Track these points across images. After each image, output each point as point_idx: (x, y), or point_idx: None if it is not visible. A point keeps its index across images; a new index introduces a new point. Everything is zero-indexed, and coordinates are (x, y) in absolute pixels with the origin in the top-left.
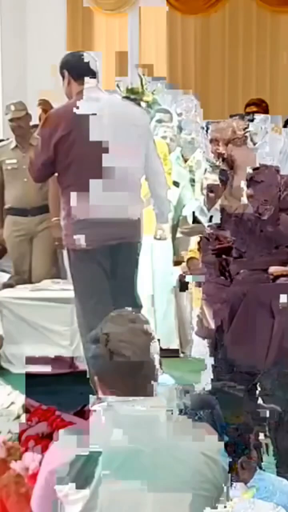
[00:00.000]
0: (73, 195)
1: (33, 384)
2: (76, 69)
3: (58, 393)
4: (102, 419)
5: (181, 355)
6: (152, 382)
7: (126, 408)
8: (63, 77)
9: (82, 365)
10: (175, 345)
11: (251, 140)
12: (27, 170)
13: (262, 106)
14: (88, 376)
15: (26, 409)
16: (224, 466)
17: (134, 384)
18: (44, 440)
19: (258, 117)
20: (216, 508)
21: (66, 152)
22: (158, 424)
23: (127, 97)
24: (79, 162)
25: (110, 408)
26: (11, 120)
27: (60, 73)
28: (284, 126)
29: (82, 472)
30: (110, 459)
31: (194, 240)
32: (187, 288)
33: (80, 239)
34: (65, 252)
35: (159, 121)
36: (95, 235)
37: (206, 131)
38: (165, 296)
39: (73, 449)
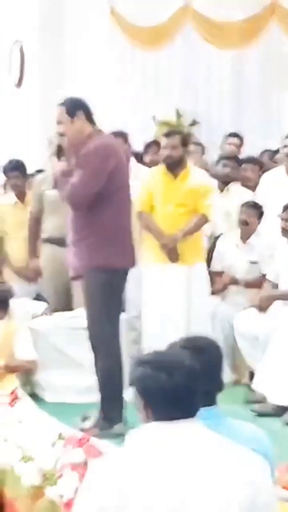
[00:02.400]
0: (112, 216)
1: (67, 411)
2: (89, 112)
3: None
4: (143, 442)
5: None
6: (196, 406)
7: (168, 430)
8: (75, 116)
9: None
10: None
11: None
12: None
13: None
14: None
15: (61, 436)
16: (267, 488)
17: (178, 407)
18: (79, 467)
19: None
20: None
21: (112, 181)
22: (200, 447)
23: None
24: (122, 188)
25: (153, 430)
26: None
27: (72, 115)
28: None
29: (121, 490)
30: (151, 481)
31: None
32: None
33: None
34: None
35: (191, 152)
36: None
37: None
38: (202, 327)
39: (113, 472)
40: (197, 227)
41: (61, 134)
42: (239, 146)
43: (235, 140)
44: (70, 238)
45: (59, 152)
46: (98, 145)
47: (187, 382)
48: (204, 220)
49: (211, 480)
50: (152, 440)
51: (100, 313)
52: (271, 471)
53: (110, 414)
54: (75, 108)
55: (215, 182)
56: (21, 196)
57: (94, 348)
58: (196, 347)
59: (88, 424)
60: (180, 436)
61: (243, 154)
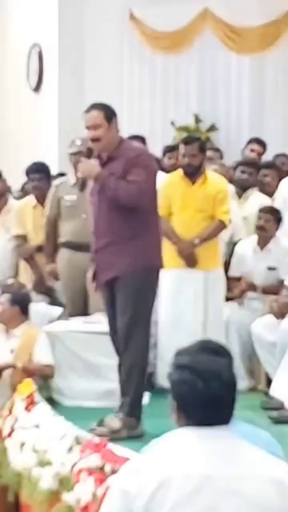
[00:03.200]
0: (156, 218)
1: (85, 416)
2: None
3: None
4: (176, 444)
5: None
6: (230, 414)
7: (200, 434)
8: (112, 122)
9: None
10: None
11: None
12: (85, 206)
13: None
14: None
15: (79, 441)
16: None
17: (212, 413)
18: (96, 472)
19: None
20: None
21: (155, 182)
22: (231, 451)
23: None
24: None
25: (186, 433)
26: (75, 154)
27: (109, 120)
28: None
29: (155, 494)
30: (183, 484)
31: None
32: None
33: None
34: None
35: (209, 158)
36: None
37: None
38: (217, 333)
39: (148, 472)
40: (215, 233)
41: (97, 139)
42: (262, 153)
43: (257, 147)
44: (106, 240)
45: (89, 156)
46: (143, 149)
47: (223, 392)
48: (221, 226)
49: (240, 484)
50: (184, 443)
51: (144, 313)
52: None
53: (138, 414)
54: (112, 113)
55: (233, 188)
56: (41, 199)
57: (126, 346)
58: (213, 350)
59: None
60: (211, 441)
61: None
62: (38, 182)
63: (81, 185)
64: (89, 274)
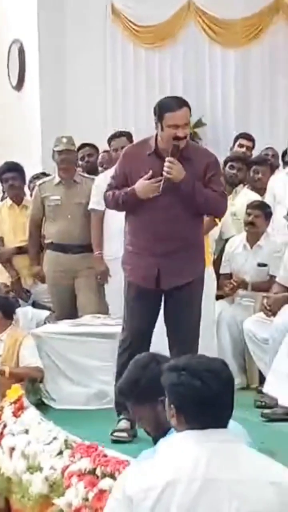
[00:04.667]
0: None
1: (75, 419)
2: None
3: (100, 428)
4: (179, 449)
5: None
6: (228, 416)
7: (202, 438)
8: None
9: None
10: None
11: None
12: (70, 206)
13: None
14: None
15: (68, 445)
16: None
17: (212, 415)
18: (87, 476)
19: None
20: None
21: None
22: (232, 455)
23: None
24: None
25: (187, 437)
26: (60, 152)
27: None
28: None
29: (159, 500)
30: (187, 488)
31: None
32: None
33: None
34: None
35: None
36: None
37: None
38: (208, 331)
39: (151, 477)
40: (205, 230)
41: (185, 137)
42: (251, 148)
43: (245, 142)
44: (177, 244)
45: (174, 156)
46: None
47: (223, 392)
48: (211, 223)
49: (242, 487)
50: (186, 447)
51: (199, 320)
52: None
53: None
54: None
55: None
56: (17, 198)
57: (191, 349)
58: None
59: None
60: (212, 444)
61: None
62: (13, 181)
63: (66, 184)
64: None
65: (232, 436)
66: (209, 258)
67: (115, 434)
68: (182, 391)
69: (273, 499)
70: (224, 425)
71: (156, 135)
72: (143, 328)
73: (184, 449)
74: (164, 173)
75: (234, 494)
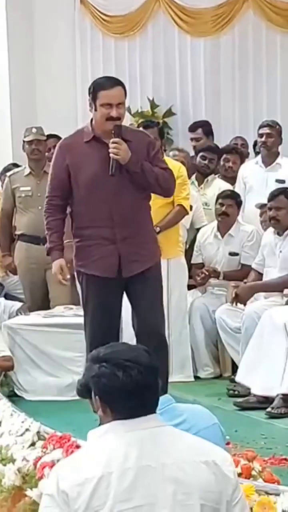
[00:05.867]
0: None
1: (47, 411)
2: None
3: (73, 419)
4: (108, 440)
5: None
6: (155, 402)
7: (129, 427)
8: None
9: None
10: (189, 369)
11: None
12: (41, 197)
13: (275, 129)
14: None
15: (41, 436)
16: (228, 475)
17: (137, 403)
18: None
19: None
20: None
21: None
22: (162, 440)
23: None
24: None
25: (114, 428)
26: (30, 142)
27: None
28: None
29: (95, 492)
30: (121, 478)
31: None
32: None
33: None
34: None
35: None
36: None
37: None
38: (180, 321)
39: (84, 470)
40: (176, 219)
41: (119, 118)
42: (246, 146)
43: (240, 140)
44: (132, 229)
45: (118, 136)
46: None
47: (144, 379)
48: (182, 212)
49: (175, 470)
50: (114, 438)
51: (162, 305)
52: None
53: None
54: None
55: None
56: None
57: (161, 340)
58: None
59: None
60: (141, 432)
61: (220, 145)
62: None
63: (37, 175)
64: (56, 269)
65: (160, 421)
66: (181, 247)
67: None
68: (105, 382)
69: (209, 477)
70: (153, 411)
71: (91, 122)
72: (115, 323)
73: (113, 440)
74: (111, 155)
75: (168, 479)
